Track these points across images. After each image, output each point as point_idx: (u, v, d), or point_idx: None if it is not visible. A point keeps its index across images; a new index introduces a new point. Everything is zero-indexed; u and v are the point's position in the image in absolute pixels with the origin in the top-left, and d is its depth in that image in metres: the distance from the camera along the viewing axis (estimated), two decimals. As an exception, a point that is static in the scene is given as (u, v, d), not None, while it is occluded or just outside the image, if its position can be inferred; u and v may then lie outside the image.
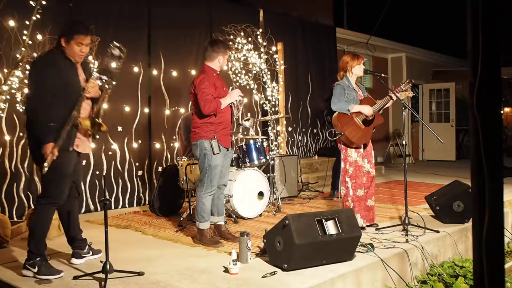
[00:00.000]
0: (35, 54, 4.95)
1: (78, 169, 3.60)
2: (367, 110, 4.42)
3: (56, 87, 3.24)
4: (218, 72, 4.24)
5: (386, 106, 4.55)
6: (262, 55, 7.50)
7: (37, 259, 3.28)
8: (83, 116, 3.36)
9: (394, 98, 4.46)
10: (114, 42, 3.59)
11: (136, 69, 6.14)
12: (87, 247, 3.65)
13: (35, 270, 3.25)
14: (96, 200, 5.77)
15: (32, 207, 4.85)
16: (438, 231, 4.33)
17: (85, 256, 3.62)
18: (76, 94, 3.32)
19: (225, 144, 4.16)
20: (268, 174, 5.73)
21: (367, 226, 4.51)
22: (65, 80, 3.30)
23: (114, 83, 3.55)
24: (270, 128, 6.48)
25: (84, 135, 3.47)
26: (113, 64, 3.64)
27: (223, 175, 4.27)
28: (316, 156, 8.64)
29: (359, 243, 3.63)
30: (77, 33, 3.31)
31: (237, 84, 7.23)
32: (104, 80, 3.50)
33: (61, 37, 3.34)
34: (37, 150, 3.22)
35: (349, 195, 4.45)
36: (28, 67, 4.91)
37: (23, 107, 3.34)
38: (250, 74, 7.39)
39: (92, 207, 5.74)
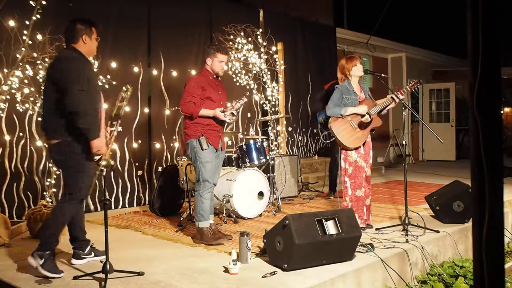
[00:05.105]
0: (35, 54, 4.96)
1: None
2: (361, 109, 4.41)
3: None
4: (214, 76, 4.25)
5: (389, 107, 4.53)
6: (262, 55, 7.51)
7: (47, 252, 3.28)
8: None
9: (397, 100, 4.44)
10: (128, 85, 3.60)
11: (136, 69, 6.14)
12: (88, 248, 3.64)
13: (41, 262, 3.23)
14: (96, 200, 5.77)
15: (32, 207, 4.86)
16: (438, 231, 4.32)
17: (85, 257, 3.60)
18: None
19: (214, 143, 4.17)
20: (268, 174, 5.73)
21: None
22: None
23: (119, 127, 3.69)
24: (270, 128, 6.49)
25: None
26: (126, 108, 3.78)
27: (214, 174, 4.28)
28: (316, 156, 8.64)
29: (359, 243, 3.63)
30: None
31: (237, 84, 7.23)
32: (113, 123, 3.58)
33: None
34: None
35: (347, 194, 4.46)
36: (28, 67, 4.93)
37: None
38: (250, 74, 7.39)
39: (92, 207, 5.74)
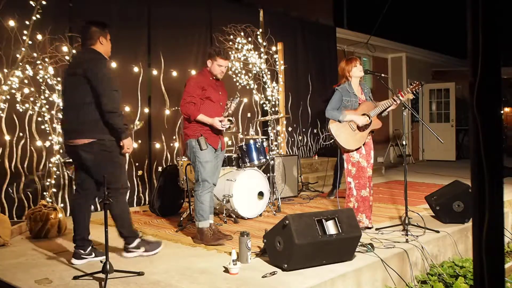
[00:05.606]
0: (35, 54, 4.96)
1: None
2: (360, 120, 4.41)
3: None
4: (214, 77, 4.24)
5: (390, 109, 4.53)
6: (262, 55, 7.51)
7: (138, 241, 3.55)
8: None
9: (398, 102, 4.44)
10: (142, 121, 4.26)
11: (136, 69, 6.14)
12: (89, 248, 3.63)
13: (143, 249, 3.55)
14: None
15: (32, 207, 4.86)
16: (438, 231, 4.33)
17: (85, 258, 3.59)
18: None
19: (213, 143, 4.17)
20: (268, 174, 5.72)
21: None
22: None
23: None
24: (270, 128, 6.48)
25: None
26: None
27: (213, 174, 4.28)
28: (316, 156, 8.64)
29: (359, 243, 3.63)
30: None
31: (237, 84, 7.23)
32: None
33: None
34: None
35: (352, 195, 4.46)
36: (28, 67, 4.93)
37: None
38: (250, 74, 7.39)
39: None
